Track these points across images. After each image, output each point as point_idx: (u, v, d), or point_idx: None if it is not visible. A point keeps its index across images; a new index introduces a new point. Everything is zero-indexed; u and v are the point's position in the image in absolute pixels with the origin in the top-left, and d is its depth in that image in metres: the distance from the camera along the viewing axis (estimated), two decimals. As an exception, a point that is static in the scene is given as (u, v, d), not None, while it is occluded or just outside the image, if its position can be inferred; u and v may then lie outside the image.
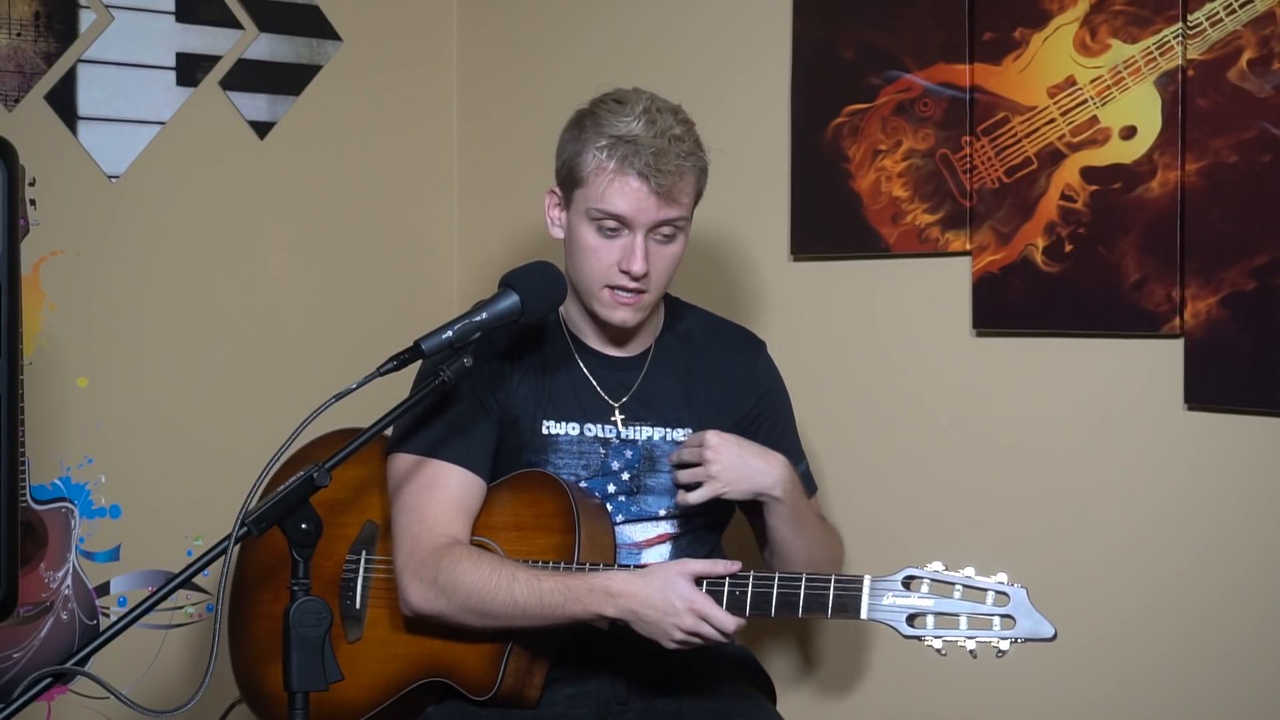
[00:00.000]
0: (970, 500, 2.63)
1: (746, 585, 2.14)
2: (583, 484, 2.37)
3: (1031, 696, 2.54)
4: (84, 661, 1.91)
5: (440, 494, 2.30)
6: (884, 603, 2.06)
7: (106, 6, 2.97)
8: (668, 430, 2.40)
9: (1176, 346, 2.35)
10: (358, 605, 2.38)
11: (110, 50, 2.98)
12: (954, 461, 2.64)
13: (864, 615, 2.06)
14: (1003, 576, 2.03)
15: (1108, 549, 2.47)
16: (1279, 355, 2.24)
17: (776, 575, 2.13)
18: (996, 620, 2.02)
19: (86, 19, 2.95)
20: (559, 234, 2.40)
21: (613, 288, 2.32)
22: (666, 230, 2.31)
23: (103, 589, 2.99)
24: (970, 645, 2.02)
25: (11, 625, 2.86)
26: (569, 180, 2.35)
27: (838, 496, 2.73)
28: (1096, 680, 2.47)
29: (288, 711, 1.95)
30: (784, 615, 2.12)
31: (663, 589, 2.13)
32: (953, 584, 2.03)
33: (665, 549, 2.40)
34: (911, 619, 2.04)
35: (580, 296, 2.38)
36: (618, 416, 2.39)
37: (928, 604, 2.04)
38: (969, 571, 2.04)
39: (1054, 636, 2.01)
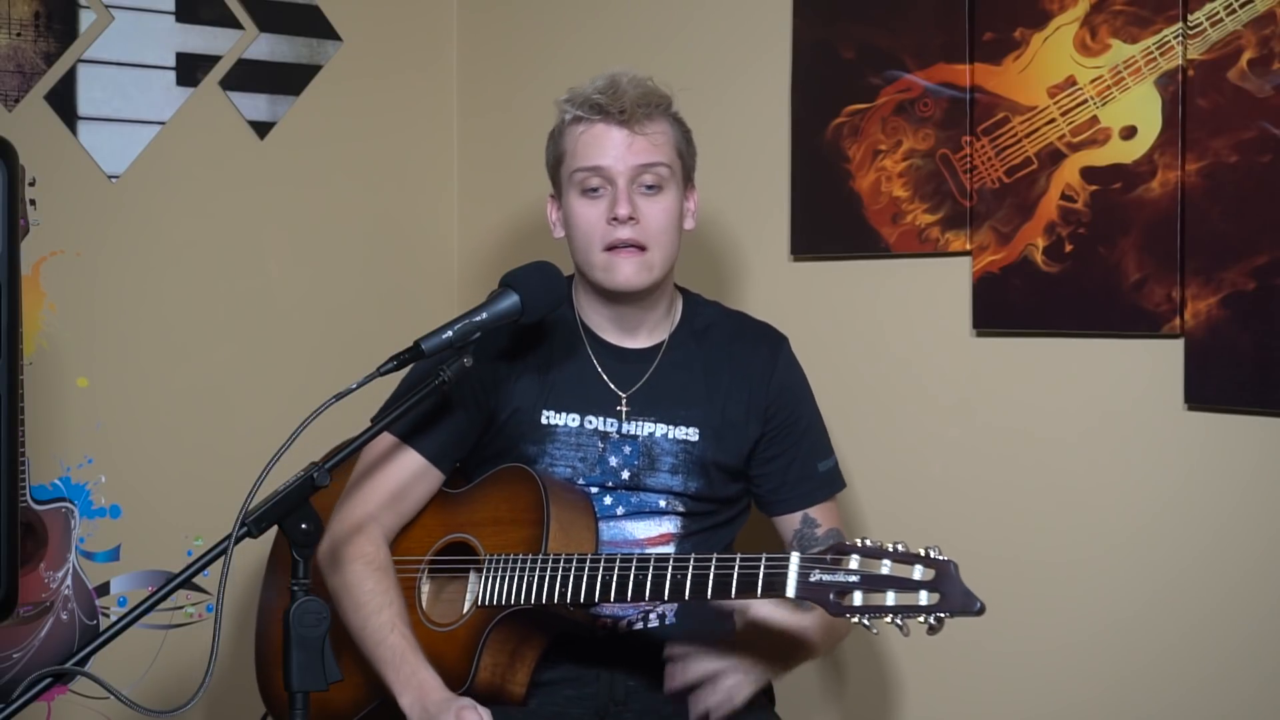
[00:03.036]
0: (970, 500, 2.63)
1: (686, 569, 2.11)
2: (579, 479, 2.36)
3: (1030, 695, 2.54)
4: (84, 661, 1.91)
5: (390, 473, 2.36)
6: (811, 580, 1.99)
7: (106, 6, 2.97)
8: (670, 427, 2.39)
9: (1176, 346, 2.35)
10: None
11: (110, 50, 2.98)
12: (954, 461, 2.64)
13: (791, 593, 2.00)
14: (933, 549, 1.94)
15: (1108, 548, 2.47)
16: (1279, 355, 2.24)
17: (714, 558, 2.10)
18: (923, 595, 1.92)
19: (86, 19, 2.95)
20: (560, 233, 2.41)
21: (609, 248, 2.32)
22: (649, 180, 2.32)
23: (103, 589, 2.99)
24: (897, 620, 1.93)
25: (11, 625, 2.86)
26: (555, 166, 2.39)
27: (839, 497, 2.73)
28: (1096, 680, 2.47)
29: (288, 711, 1.95)
30: (720, 597, 2.08)
31: (445, 703, 2.15)
32: (880, 558, 1.95)
33: (669, 550, 2.39)
34: (840, 595, 1.97)
35: (586, 277, 2.38)
36: (623, 408, 2.39)
37: (854, 579, 1.96)
38: (899, 545, 1.95)
39: (981, 610, 1.91)
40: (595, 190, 2.32)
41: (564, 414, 2.38)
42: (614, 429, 2.38)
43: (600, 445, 2.37)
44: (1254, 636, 2.31)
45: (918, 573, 1.94)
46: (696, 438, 2.39)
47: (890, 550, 1.96)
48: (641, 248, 2.32)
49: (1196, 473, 2.37)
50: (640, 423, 2.38)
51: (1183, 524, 2.39)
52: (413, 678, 2.18)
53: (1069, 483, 2.51)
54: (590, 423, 2.38)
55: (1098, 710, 2.47)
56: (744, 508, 2.49)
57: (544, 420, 2.37)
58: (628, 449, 2.37)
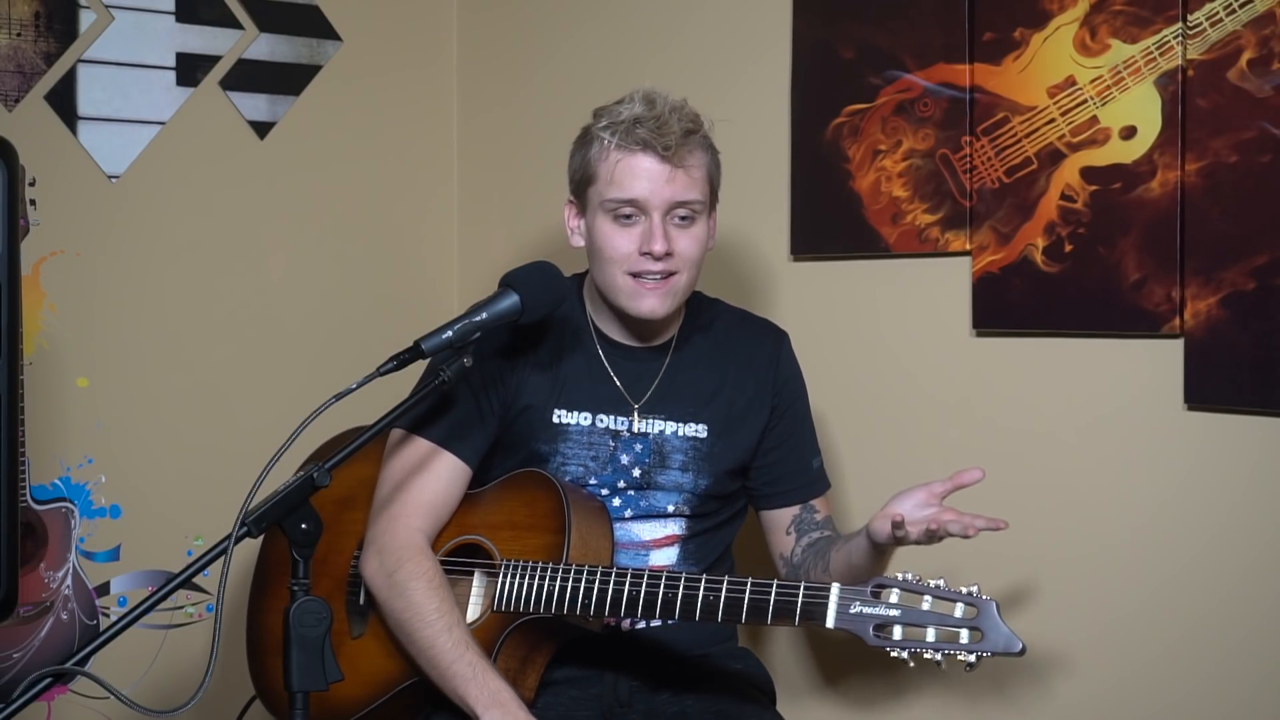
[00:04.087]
0: (969, 500, 2.61)
1: (720, 590, 2.13)
2: (591, 478, 2.37)
3: (1030, 695, 2.54)
4: (84, 661, 1.91)
5: (429, 483, 2.33)
6: (851, 611, 2.02)
7: (106, 6, 2.97)
8: (680, 425, 2.40)
9: (1176, 346, 2.35)
10: (362, 601, 2.39)
11: (110, 50, 2.98)
12: (954, 461, 2.63)
13: (830, 624, 2.03)
14: (974, 588, 1.99)
15: (1107, 548, 2.47)
16: (1279, 355, 2.24)
17: (749, 581, 2.12)
18: (964, 633, 1.97)
19: (86, 19, 2.95)
20: (579, 242, 2.40)
21: (636, 275, 2.32)
22: (683, 213, 2.31)
23: (103, 589, 2.99)
24: (937, 657, 1.97)
25: (11, 625, 2.87)
26: (582, 181, 2.36)
27: (838, 496, 2.73)
28: (1095, 679, 2.47)
29: (288, 711, 1.95)
30: (754, 621, 2.11)
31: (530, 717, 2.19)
32: (921, 594, 1.99)
33: (674, 552, 2.40)
34: (879, 629, 2.00)
35: (605, 296, 2.37)
36: (635, 407, 2.39)
37: (895, 614, 1.99)
38: (940, 582, 1.99)
39: (1022, 651, 1.96)
40: (628, 218, 2.31)
41: (576, 413, 2.38)
42: (625, 427, 2.38)
43: (611, 444, 2.38)
44: (1254, 636, 2.31)
45: (959, 610, 1.98)
46: (705, 434, 2.39)
47: (932, 586, 1.99)
48: (669, 275, 2.32)
49: (1196, 473, 2.37)
50: (651, 420, 2.39)
51: (1182, 524, 2.39)
52: (498, 695, 2.19)
53: (1069, 482, 2.51)
54: (602, 421, 2.38)
55: (1098, 710, 2.48)
56: (741, 508, 2.50)
57: (556, 419, 2.37)
58: (639, 447, 2.38)
